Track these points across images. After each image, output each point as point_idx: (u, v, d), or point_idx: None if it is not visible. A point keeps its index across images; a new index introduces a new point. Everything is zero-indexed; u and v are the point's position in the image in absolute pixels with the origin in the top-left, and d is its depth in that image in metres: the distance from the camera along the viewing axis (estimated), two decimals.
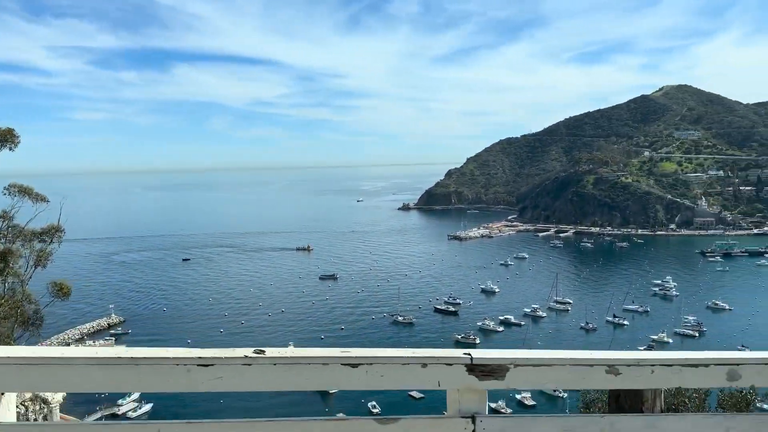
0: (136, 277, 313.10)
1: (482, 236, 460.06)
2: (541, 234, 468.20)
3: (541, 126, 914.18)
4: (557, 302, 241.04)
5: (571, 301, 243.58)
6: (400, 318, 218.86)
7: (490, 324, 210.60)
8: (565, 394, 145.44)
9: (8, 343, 28.06)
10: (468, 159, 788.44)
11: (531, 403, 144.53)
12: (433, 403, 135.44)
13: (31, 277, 30.76)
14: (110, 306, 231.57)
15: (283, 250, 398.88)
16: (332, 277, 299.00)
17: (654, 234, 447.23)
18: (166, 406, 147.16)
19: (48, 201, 29.59)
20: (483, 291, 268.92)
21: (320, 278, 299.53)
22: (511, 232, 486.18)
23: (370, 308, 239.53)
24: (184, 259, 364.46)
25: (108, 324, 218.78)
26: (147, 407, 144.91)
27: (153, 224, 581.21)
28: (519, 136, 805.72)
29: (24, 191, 28.28)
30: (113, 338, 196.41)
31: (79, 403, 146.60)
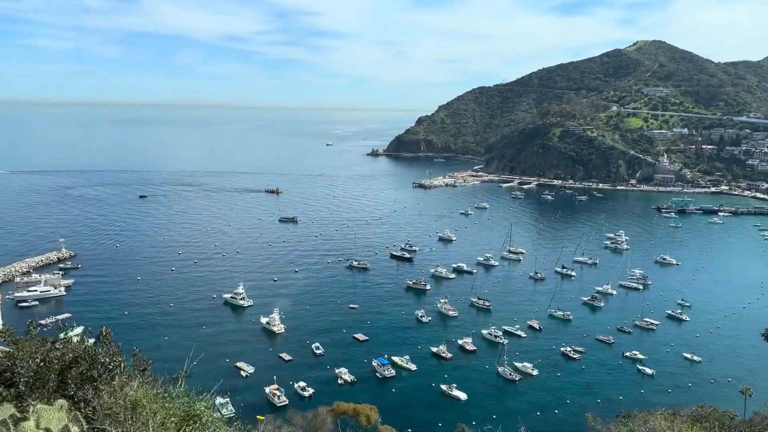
0: (90, 212, 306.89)
1: (446, 185, 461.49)
2: (504, 185, 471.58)
3: (514, 76, 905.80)
4: (510, 252, 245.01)
5: (524, 251, 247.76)
6: (355, 263, 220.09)
7: (443, 271, 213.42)
8: (506, 341, 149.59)
9: None
10: (439, 107, 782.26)
11: (472, 348, 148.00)
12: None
13: None
14: (60, 240, 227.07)
15: (250, 191, 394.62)
16: (292, 220, 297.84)
17: (614, 189, 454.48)
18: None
19: None
20: (440, 239, 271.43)
21: (280, 221, 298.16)
22: (475, 182, 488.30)
23: (327, 252, 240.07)
24: (140, 196, 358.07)
25: (57, 258, 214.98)
26: (90, 342, 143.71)
27: (113, 159, 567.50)
28: (492, 85, 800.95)
29: None
30: (61, 272, 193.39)
31: (19, 336, 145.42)
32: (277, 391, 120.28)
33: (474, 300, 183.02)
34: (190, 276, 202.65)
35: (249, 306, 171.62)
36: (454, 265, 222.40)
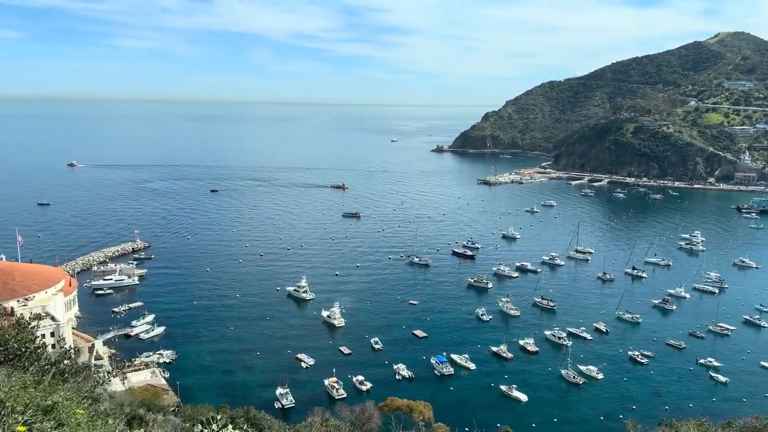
0: (165, 205, 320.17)
1: (512, 182, 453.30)
2: (573, 182, 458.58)
3: (586, 70, 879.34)
4: (578, 251, 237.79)
5: (593, 251, 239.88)
6: (416, 259, 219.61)
7: (505, 269, 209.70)
8: (570, 343, 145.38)
9: None
10: (507, 102, 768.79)
11: (534, 349, 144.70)
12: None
13: None
14: (135, 231, 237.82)
15: (317, 186, 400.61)
16: (355, 216, 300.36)
17: (691, 187, 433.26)
18: (178, 329, 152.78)
19: None
20: (504, 237, 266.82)
21: (343, 216, 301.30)
22: (542, 179, 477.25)
23: (388, 248, 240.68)
24: (212, 190, 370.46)
25: (132, 248, 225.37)
26: (159, 330, 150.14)
27: (187, 154, 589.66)
28: (562, 79, 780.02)
29: None
30: (135, 262, 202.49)
31: (94, 323, 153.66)
32: (336, 384, 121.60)
33: (537, 300, 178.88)
34: (256, 269, 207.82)
35: (311, 299, 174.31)
36: (518, 264, 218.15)
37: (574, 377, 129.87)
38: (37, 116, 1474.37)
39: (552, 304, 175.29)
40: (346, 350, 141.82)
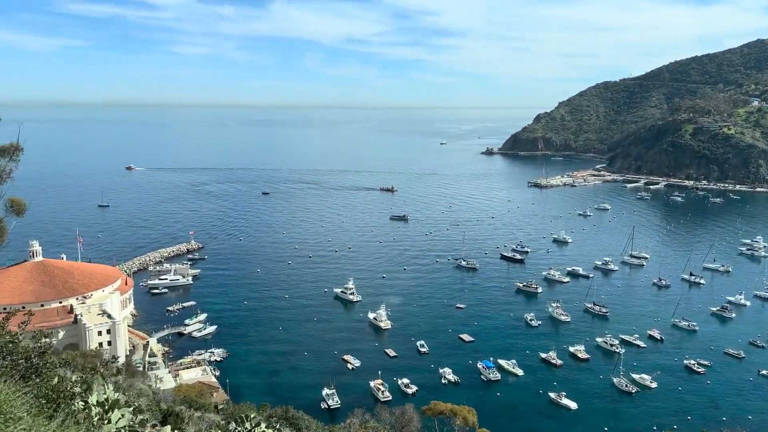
0: (219, 207, 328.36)
1: (564, 185, 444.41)
2: (629, 185, 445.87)
3: (643, 70, 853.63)
4: (632, 256, 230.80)
5: (648, 256, 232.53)
6: (463, 263, 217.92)
7: (556, 274, 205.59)
8: (622, 350, 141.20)
9: None
10: (560, 103, 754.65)
11: (585, 356, 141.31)
12: None
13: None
14: (190, 233, 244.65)
15: (366, 189, 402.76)
16: (403, 219, 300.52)
17: (753, 191, 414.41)
18: (229, 328, 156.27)
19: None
20: (555, 241, 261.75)
21: (391, 219, 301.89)
22: (596, 182, 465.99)
23: (436, 251, 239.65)
24: (263, 193, 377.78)
25: (187, 249, 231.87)
26: (211, 329, 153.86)
27: (240, 158, 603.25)
28: (618, 80, 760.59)
29: None
30: (189, 263, 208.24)
31: (149, 321, 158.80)
32: (381, 386, 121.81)
33: (589, 306, 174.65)
34: (305, 270, 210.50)
35: (358, 301, 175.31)
36: (569, 269, 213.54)
37: (626, 386, 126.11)
38: (99, 121, 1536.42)
39: (604, 311, 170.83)
40: (392, 353, 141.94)
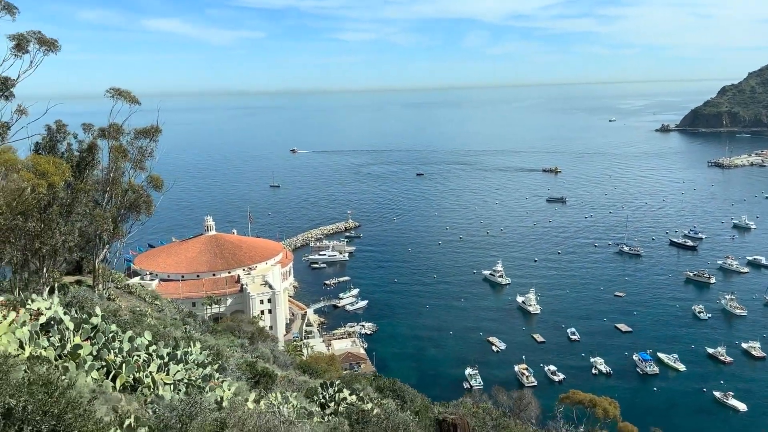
0: (375, 188, 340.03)
1: (752, 164, 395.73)
2: None
3: None
4: None
5: None
6: (626, 248, 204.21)
7: (734, 264, 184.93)
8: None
9: (114, 223, 34.05)
10: (750, 74, 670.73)
11: (760, 354, 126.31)
12: None
13: (149, 169, 36.00)
14: (348, 212, 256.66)
15: (525, 171, 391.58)
16: (561, 201, 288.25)
17: None
18: (379, 304, 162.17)
19: (140, 103, 34.01)
20: (735, 227, 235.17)
21: (547, 201, 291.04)
22: None
23: (595, 235, 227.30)
24: (418, 174, 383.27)
25: (345, 227, 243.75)
26: (363, 303, 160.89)
27: (400, 139, 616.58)
28: None
29: (119, 93, 32.86)
30: (346, 240, 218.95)
31: (309, 293, 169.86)
32: (525, 371, 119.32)
33: None
34: (454, 251, 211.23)
35: (507, 284, 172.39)
36: (750, 258, 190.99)
37: None
38: (274, 108, 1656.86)
39: None
40: (539, 338, 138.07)
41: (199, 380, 16.20)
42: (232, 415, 11.82)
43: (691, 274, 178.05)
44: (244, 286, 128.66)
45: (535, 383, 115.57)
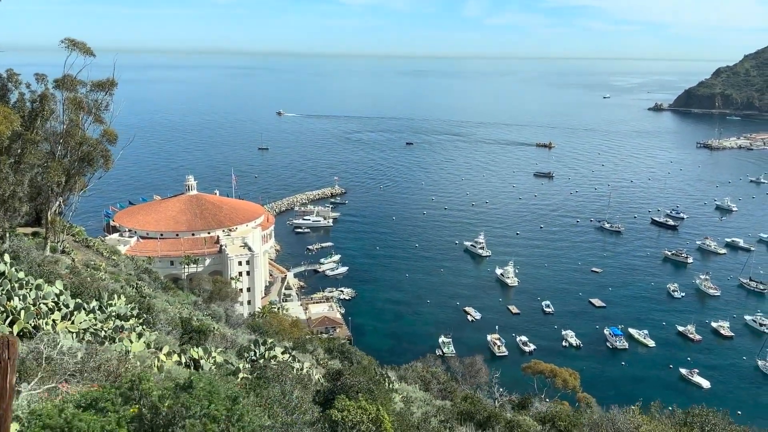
0: (364, 155, 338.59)
1: (740, 147, 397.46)
2: None
3: None
4: None
5: None
6: (607, 225, 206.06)
7: (712, 245, 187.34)
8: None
9: (68, 175, 33.89)
10: (745, 56, 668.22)
11: (728, 334, 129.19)
12: None
13: (108, 122, 35.69)
14: (335, 178, 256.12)
15: (517, 144, 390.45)
16: (547, 176, 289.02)
17: None
18: (360, 271, 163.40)
19: (94, 55, 33.60)
20: (717, 208, 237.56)
21: (535, 175, 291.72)
22: None
23: (578, 211, 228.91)
24: (407, 143, 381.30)
25: (331, 193, 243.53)
26: (343, 269, 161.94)
27: (391, 107, 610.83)
28: None
29: (74, 44, 32.39)
30: (331, 206, 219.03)
31: (290, 256, 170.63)
32: (497, 341, 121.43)
33: (744, 281, 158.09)
34: (438, 222, 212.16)
35: (487, 256, 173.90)
36: (728, 240, 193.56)
37: None
38: (269, 69, 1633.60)
39: (761, 287, 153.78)
40: (514, 309, 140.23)
41: (110, 331, 16.55)
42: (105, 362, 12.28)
43: (669, 253, 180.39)
44: (223, 247, 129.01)
45: (506, 353, 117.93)
